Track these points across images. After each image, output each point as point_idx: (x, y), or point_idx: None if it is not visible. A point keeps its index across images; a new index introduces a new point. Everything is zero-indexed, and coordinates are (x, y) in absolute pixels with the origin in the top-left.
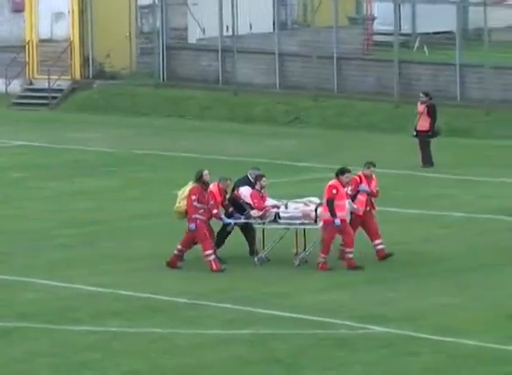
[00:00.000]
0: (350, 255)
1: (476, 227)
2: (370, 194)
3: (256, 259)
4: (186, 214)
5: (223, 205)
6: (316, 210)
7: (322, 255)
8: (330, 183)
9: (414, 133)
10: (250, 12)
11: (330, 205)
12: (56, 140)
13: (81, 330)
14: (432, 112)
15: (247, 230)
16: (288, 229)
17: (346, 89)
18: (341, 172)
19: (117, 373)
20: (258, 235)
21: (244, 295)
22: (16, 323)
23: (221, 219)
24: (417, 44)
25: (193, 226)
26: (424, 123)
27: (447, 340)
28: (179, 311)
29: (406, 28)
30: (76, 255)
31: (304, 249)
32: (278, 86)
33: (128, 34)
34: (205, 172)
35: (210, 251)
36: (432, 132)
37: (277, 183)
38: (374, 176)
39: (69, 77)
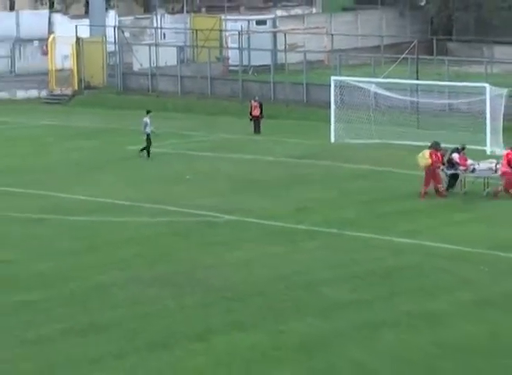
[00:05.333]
0: None
1: None
2: None
3: (462, 191)
4: (429, 165)
5: (444, 163)
6: (496, 165)
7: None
8: (507, 152)
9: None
10: (166, 54)
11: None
12: (65, 121)
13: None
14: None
15: (454, 177)
16: (479, 177)
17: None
18: None
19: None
20: (461, 179)
21: None
22: (41, 215)
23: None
24: (251, 71)
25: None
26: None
27: None
28: None
29: (245, 62)
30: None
31: (488, 187)
32: (179, 93)
33: (102, 66)
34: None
35: (441, 185)
36: None
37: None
38: None
39: (71, 88)
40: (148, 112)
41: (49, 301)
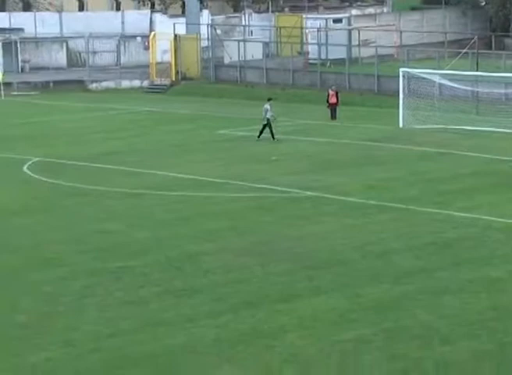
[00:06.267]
0: None
1: None
2: None
3: None
4: None
5: None
6: None
7: None
8: None
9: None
10: (253, 49)
11: None
12: (164, 108)
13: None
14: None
15: None
16: None
17: (296, 84)
18: None
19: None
20: None
21: None
22: (141, 190)
23: None
24: (328, 64)
25: None
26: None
27: None
28: None
29: (323, 56)
30: None
31: None
32: (265, 83)
33: (197, 59)
34: None
35: None
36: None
37: None
38: None
39: (169, 79)
40: (269, 99)
41: (147, 267)
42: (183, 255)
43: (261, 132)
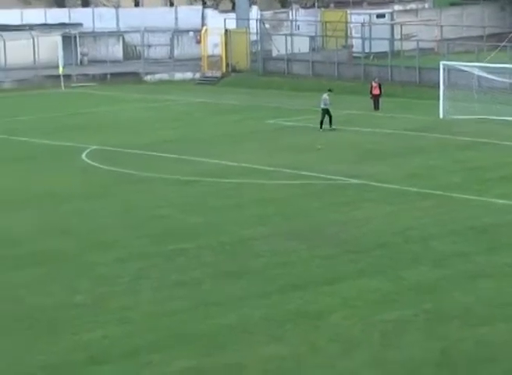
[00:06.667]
0: None
1: None
2: None
3: None
4: None
5: None
6: None
7: None
8: None
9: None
10: (300, 42)
11: None
12: (215, 99)
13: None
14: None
15: None
16: None
17: (341, 76)
18: None
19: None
20: None
21: None
22: (194, 177)
23: None
24: (371, 57)
25: None
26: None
27: None
28: None
29: (367, 49)
30: None
31: None
32: (311, 75)
33: (246, 52)
34: None
35: None
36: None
37: None
38: None
39: (220, 71)
40: (329, 90)
41: (200, 250)
42: (234, 238)
43: (322, 122)
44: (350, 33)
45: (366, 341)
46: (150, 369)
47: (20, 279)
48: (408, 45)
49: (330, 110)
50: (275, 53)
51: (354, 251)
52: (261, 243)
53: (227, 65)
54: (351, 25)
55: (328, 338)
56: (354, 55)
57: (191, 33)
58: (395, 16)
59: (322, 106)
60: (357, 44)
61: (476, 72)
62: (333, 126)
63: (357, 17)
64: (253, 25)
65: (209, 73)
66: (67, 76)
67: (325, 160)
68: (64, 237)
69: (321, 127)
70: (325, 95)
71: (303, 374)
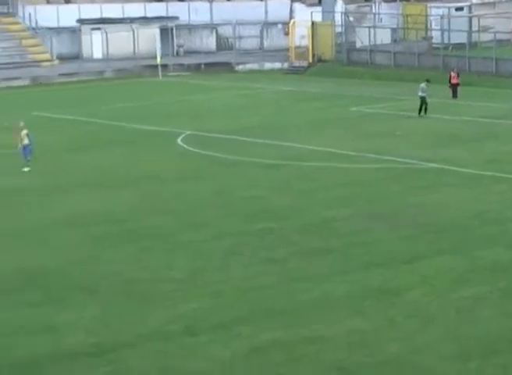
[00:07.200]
0: None
1: None
2: None
3: None
4: None
5: None
6: None
7: None
8: None
9: None
10: (382, 34)
11: None
12: (301, 87)
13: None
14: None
15: None
16: None
17: (421, 66)
18: None
19: None
20: None
21: None
22: (280, 161)
23: None
24: (450, 48)
25: None
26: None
27: None
28: None
29: (446, 41)
30: None
31: None
32: (392, 65)
33: (331, 44)
34: None
35: None
36: None
37: None
38: None
39: (307, 61)
40: (427, 80)
41: (286, 230)
42: (318, 219)
43: (421, 109)
44: (430, 26)
45: (442, 316)
46: (239, 340)
47: (121, 254)
48: (485, 37)
49: (426, 98)
50: (358, 44)
51: (432, 231)
52: (343, 223)
53: (313, 55)
54: (431, 17)
55: (407, 314)
56: (434, 46)
57: (280, 26)
58: (473, 9)
59: (420, 94)
60: (436, 36)
61: None
62: (421, 114)
63: (436, 10)
64: (338, 18)
65: (296, 63)
66: (164, 66)
67: (405, 145)
68: (162, 215)
69: (419, 114)
70: (423, 84)
71: (383, 347)
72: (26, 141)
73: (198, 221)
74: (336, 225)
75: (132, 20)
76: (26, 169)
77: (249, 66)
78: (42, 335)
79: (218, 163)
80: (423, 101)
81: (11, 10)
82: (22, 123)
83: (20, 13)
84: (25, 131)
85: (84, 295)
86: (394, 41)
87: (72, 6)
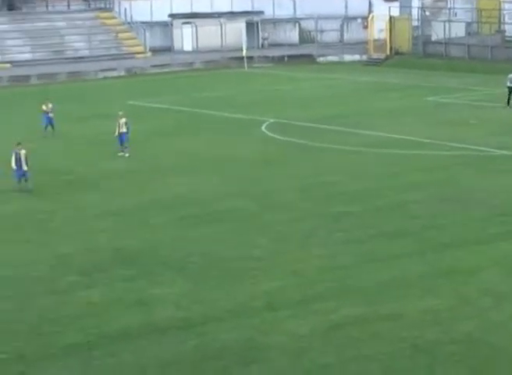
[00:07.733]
0: None
1: None
2: None
3: None
4: None
5: None
6: None
7: None
8: None
9: None
10: (457, 28)
11: None
12: (379, 78)
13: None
14: None
15: None
16: None
17: (494, 58)
18: None
19: None
20: None
21: None
22: (359, 148)
23: None
24: None
25: None
26: None
27: None
28: None
29: None
30: None
31: None
32: (467, 57)
33: (408, 37)
34: None
35: None
36: None
37: None
38: None
39: (384, 54)
40: None
41: (363, 213)
42: (393, 202)
43: (510, 99)
44: (503, 20)
45: None
46: (318, 315)
47: (206, 234)
48: None
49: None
50: (434, 37)
51: (503, 214)
52: (417, 207)
53: (391, 48)
54: (504, 12)
55: (479, 292)
56: (507, 39)
57: (359, 20)
58: None
59: (508, 84)
60: (509, 30)
61: None
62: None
63: (509, 5)
64: (414, 12)
65: (375, 55)
66: (250, 58)
67: (478, 134)
68: (245, 198)
69: (508, 104)
70: (510, 75)
71: (456, 325)
72: (124, 129)
73: (278, 203)
74: (410, 208)
75: (220, 15)
76: (123, 155)
77: (330, 58)
78: (135, 308)
79: (299, 149)
80: (511, 91)
81: (108, 6)
82: (121, 112)
83: (116, 8)
84: (123, 119)
85: (174, 272)
86: (468, 34)
87: (164, 2)
